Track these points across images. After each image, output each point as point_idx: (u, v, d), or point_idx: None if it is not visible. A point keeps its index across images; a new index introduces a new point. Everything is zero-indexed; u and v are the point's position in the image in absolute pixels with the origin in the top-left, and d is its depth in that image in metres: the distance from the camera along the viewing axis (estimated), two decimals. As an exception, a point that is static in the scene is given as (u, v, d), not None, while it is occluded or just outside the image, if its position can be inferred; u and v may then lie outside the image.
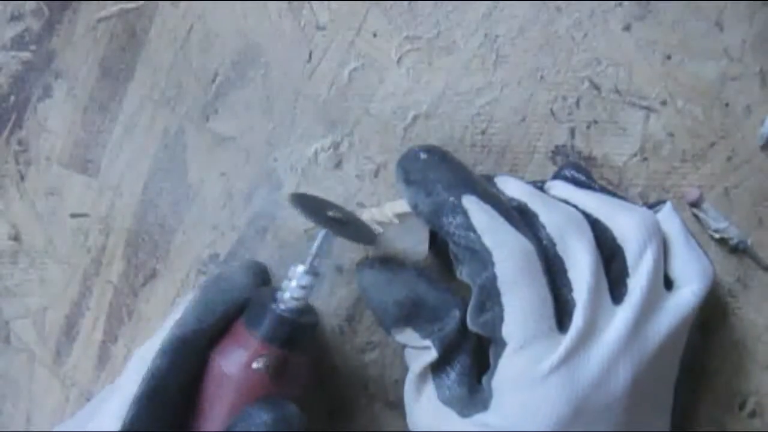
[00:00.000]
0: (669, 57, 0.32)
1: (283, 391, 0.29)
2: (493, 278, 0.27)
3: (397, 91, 0.34)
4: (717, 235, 0.32)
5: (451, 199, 0.28)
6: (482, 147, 0.34)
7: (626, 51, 0.32)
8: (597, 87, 0.33)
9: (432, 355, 0.29)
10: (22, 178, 0.38)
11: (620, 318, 0.27)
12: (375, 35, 0.35)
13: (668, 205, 0.30)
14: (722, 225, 0.32)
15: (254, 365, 0.28)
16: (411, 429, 0.30)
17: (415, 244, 0.31)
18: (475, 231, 0.27)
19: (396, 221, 0.31)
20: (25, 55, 0.38)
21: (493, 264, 0.27)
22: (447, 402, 0.29)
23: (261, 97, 0.36)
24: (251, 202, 0.36)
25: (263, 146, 0.36)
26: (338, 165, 0.35)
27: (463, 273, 0.29)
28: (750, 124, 0.32)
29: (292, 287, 0.29)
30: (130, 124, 0.37)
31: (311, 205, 0.30)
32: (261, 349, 0.28)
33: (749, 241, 0.32)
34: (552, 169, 0.33)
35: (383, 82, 0.34)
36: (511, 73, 0.33)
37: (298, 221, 0.35)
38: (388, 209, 0.31)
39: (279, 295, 0.29)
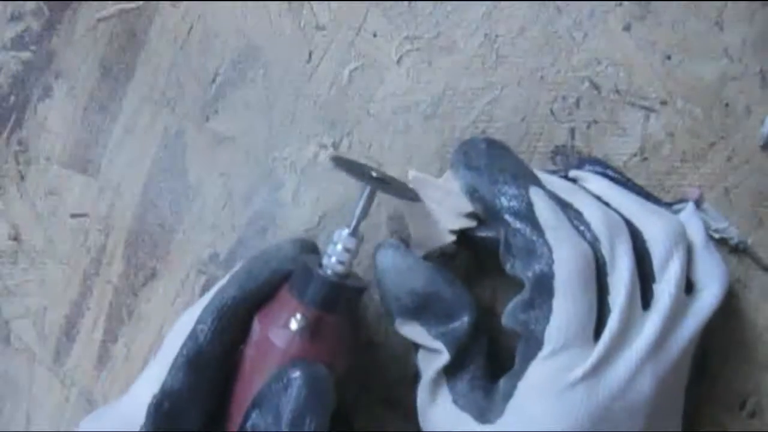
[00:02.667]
0: (669, 57, 0.32)
1: (324, 356, 0.28)
2: (550, 276, 0.26)
3: (397, 91, 0.34)
4: (717, 235, 0.32)
5: (519, 190, 0.28)
6: (482, 147, 0.34)
7: (626, 51, 0.32)
8: (597, 87, 0.33)
9: (444, 358, 0.29)
10: (22, 178, 0.38)
11: (649, 325, 0.26)
12: (375, 35, 0.35)
13: (690, 207, 0.30)
14: (722, 225, 0.32)
15: (291, 325, 0.28)
16: None
17: (447, 220, 0.30)
18: (538, 226, 0.27)
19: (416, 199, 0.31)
20: (25, 55, 0.38)
21: (552, 262, 0.26)
22: (463, 407, 0.28)
23: (261, 97, 0.36)
24: (251, 202, 0.36)
25: (263, 146, 0.36)
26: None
27: (515, 266, 0.28)
28: (750, 124, 0.32)
29: (337, 250, 0.29)
30: (130, 124, 0.37)
31: (353, 166, 0.30)
32: (300, 310, 0.28)
33: (749, 241, 0.32)
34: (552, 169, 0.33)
35: (383, 82, 0.34)
36: (511, 73, 0.33)
37: (298, 221, 0.35)
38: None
39: (324, 259, 0.29)
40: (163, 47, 0.36)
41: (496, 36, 0.33)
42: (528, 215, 0.27)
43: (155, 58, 0.37)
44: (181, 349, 0.28)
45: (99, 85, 0.37)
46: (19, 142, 0.38)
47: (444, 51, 0.34)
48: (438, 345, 0.29)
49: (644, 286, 0.27)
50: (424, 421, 0.30)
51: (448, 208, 0.30)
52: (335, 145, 0.35)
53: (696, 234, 0.29)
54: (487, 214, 0.29)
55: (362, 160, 0.34)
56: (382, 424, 0.34)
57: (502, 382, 0.28)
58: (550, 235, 0.27)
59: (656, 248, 0.27)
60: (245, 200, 0.36)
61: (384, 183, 0.29)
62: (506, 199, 0.28)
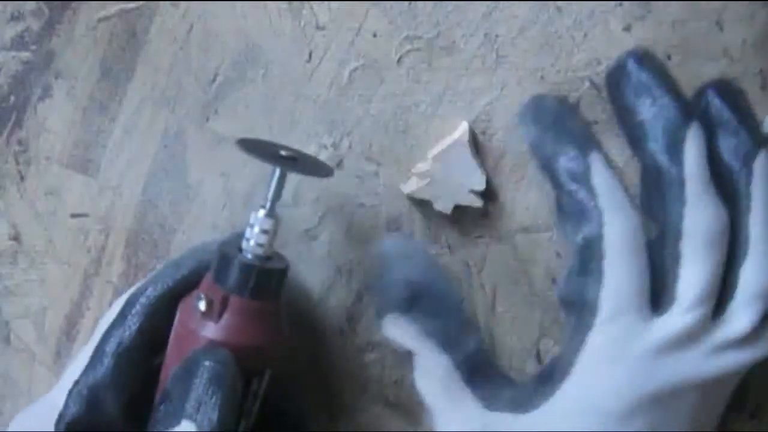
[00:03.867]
0: (669, 57, 0.32)
1: (238, 335, 0.28)
2: (600, 239, 0.27)
3: (397, 91, 0.34)
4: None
5: (580, 151, 0.28)
6: (482, 147, 0.34)
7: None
8: (597, 87, 0.33)
9: (444, 362, 0.29)
10: (22, 178, 0.38)
11: (713, 339, 0.26)
12: (375, 35, 0.35)
13: None
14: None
15: (200, 306, 0.28)
16: None
17: (457, 191, 0.31)
18: (592, 188, 0.27)
19: (422, 193, 0.31)
20: (25, 55, 0.38)
21: (602, 224, 0.27)
22: (495, 408, 0.28)
23: (261, 97, 0.36)
24: (251, 202, 0.36)
25: (263, 146, 0.36)
26: (338, 165, 0.35)
27: (566, 230, 0.28)
28: (750, 124, 0.32)
29: (254, 233, 0.29)
30: (130, 124, 0.37)
31: (261, 148, 0.30)
32: (204, 290, 0.28)
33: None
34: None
35: (383, 82, 0.34)
36: (511, 73, 0.33)
37: (298, 221, 0.35)
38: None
39: (243, 243, 0.29)
40: (163, 47, 0.36)
41: (496, 36, 0.33)
42: (583, 178, 0.27)
43: (155, 58, 0.37)
44: (104, 337, 0.29)
45: (99, 85, 0.37)
46: (19, 142, 0.38)
47: (444, 51, 0.34)
48: (430, 345, 0.29)
49: (720, 300, 0.27)
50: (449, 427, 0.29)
51: (465, 180, 0.30)
52: (335, 145, 0.35)
53: None
54: (544, 171, 0.29)
55: (362, 160, 0.34)
56: (382, 424, 0.34)
57: (551, 363, 0.28)
58: (602, 199, 0.27)
59: (748, 283, 0.27)
60: (245, 200, 0.36)
61: (294, 162, 0.29)
62: (566, 159, 0.28)
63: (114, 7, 0.37)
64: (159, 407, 0.27)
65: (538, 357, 0.33)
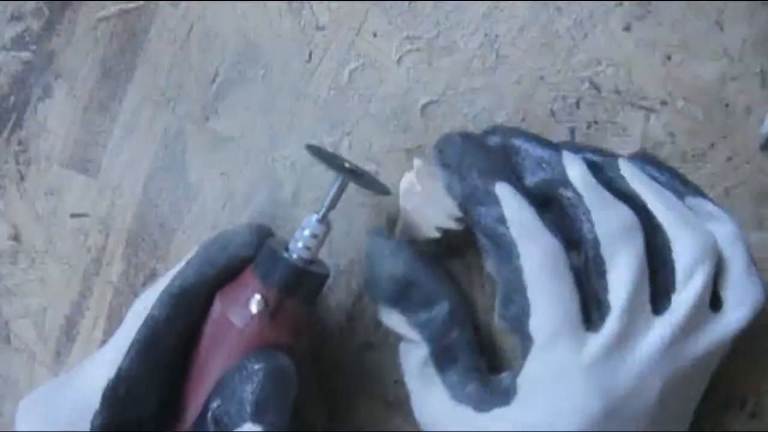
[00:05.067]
0: (669, 57, 0.32)
1: (282, 338, 0.28)
2: (519, 271, 0.27)
3: (397, 91, 0.34)
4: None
5: (484, 185, 0.28)
6: (482, 147, 0.34)
7: (626, 51, 0.32)
8: (597, 87, 0.33)
9: (422, 351, 0.29)
10: (22, 178, 0.38)
11: (657, 332, 0.26)
12: (375, 35, 0.35)
13: (735, 227, 0.29)
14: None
15: (251, 306, 0.28)
16: (422, 428, 0.30)
17: (435, 216, 0.31)
18: (504, 221, 0.27)
19: (417, 186, 0.31)
20: (25, 55, 0.38)
21: (518, 256, 0.27)
22: (460, 399, 0.28)
23: (261, 97, 0.36)
24: (251, 202, 0.36)
25: (263, 146, 0.36)
26: (338, 165, 0.35)
27: (488, 264, 0.28)
28: (750, 124, 0.32)
29: (304, 236, 0.29)
30: (130, 124, 0.37)
31: (327, 156, 0.30)
32: (261, 292, 0.28)
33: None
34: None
35: (383, 82, 0.34)
36: (511, 73, 0.33)
37: (298, 221, 0.35)
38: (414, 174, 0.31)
39: (291, 243, 0.29)
40: (163, 47, 0.36)
41: (496, 36, 0.33)
42: (494, 212, 0.27)
43: (155, 58, 0.37)
44: (137, 333, 0.29)
45: (99, 85, 0.37)
46: (19, 142, 0.38)
47: (444, 51, 0.34)
48: (415, 335, 0.29)
49: (662, 294, 0.27)
50: (420, 416, 0.30)
51: (442, 205, 0.30)
52: (335, 145, 0.35)
53: (738, 253, 0.29)
54: (463, 211, 0.29)
55: (362, 160, 0.34)
56: (382, 424, 0.34)
57: (504, 377, 0.28)
58: (514, 230, 0.27)
59: (682, 260, 0.27)
60: (245, 200, 0.36)
61: (356, 175, 0.30)
62: (474, 195, 0.28)
63: (114, 7, 0.37)
64: (211, 405, 0.27)
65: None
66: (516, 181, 0.28)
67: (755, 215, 0.32)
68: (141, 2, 0.37)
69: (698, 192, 0.30)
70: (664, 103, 0.32)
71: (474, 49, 0.34)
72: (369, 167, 0.34)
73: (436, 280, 0.30)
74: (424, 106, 0.34)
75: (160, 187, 0.36)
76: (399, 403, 0.34)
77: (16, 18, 0.38)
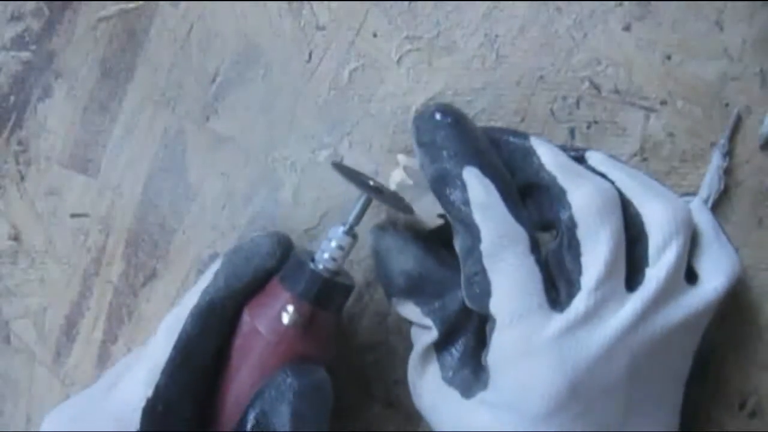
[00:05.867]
0: (669, 57, 0.32)
1: (312, 350, 0.29)
2: (479, 254, 0.27)
3: (397, 91, 0.34)
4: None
5: (453, 168, 0.28)
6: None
7: (626, 51, 0.32)
8: (597, 87, 0.33)
9: (433, 335, 0.29)
10: (22, 178, 0.38)
11: (628, 307, 0.26)
12: (375, 35, 0.35)
13: (698, 199, 0.30)
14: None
15: (283, 318, 0.28)
16: (417, 408, 0.31)
17: (434, 203, 0.31)
18: (468, 204, 0.27)
19: (408, 180, 0.31)
20: (25, 55, 0.38)
21: (480, 240, 0.27)
22: (451, 382, 0.29)
23: (261, 97, 0.36)
24: (251, 202, 0.36)
25: (263, 146, 0.36)
26: (338, 165, 0.35)
27: (457, 245, 0.29)
28: (750, 124, 0.32)
29: (330, 247, 0.29)
30: (130, 124, 0.37)
31: (352, 173, 0.31)
32: (293, 303, 0.28)
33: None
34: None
35: (383, 82, 0.34)
36: (511, 73, 0.33)
37: (298, 221, 0.35)
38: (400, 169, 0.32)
39: (317, 254, 0.29)
40: (163, 47, 0.36)
41: (496, 36, 0.33)
42: (461, 195, 0.28)
43: (155, 58, 0.37)
44: (173, 350, 0.29)
45: (99, 85, 0.37)
46: (19, 142, 0.38)
47: (444, 51, 0.34)
48: (428, 322, 0.30)
49: (635, 270, 0.27)
50: (414, 395, 0.31)
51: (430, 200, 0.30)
52: (335, 145, 0.35)
53: (706, 223, 0.29)
54: (434, 192, 0.29)
55: (362, 160, 0.34)
56: (382, 424, 0.34)
57: (482, 358, 0.29)
58: (477, 215, 0.27)
59: (655, 233, 0.27)
60: (245, 200, 0.36)
61: (380, 192, 0.30)
62: (444, 178, 0.28)
63: (114, 7, 0.37)
64: (248, 419, 0.27)
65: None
66: (495, 163, 0.28)
67: (755, 215, 0.32)
68: (141, 2, 0.37)
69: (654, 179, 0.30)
70: (663, 103, 0.32)
71: (474, 49, 0.34)
72: (369, 167, 0.34)
73: (446, 270, 0.30)
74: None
75: (160, 187, 0.36)
76: (399, 403, 0.34)
77: (16, 18, 0.38)
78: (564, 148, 0.30)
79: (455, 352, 0.29)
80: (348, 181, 0.29)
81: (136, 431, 0.28)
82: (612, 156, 0.30)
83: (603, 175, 0.29)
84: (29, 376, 0.38)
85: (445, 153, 0.28)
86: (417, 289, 0.30)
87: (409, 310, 0.30)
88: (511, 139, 0.29)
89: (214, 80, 0.36)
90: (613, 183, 0.28)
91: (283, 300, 0.29)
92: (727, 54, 0.32)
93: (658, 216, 0.27)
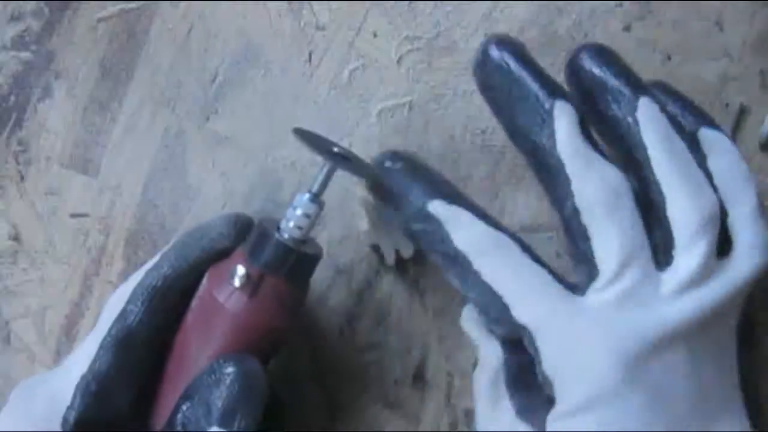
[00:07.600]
0: (669, 57, 0.32)
1: (264, 315, 0.28)
2: (477, 275, 0.27)
3: (397, 91, 0.34)
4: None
5: (418, 208, 0.28)
6: (482, 147, 0.34)
7: (626, 51, 0.32)
8: (597, 87, 0.33)
9: (496, 361, 0.29)
10: (22, 178, 0.38)
11: (667, 286, 0.26)
12: (375, 35, 0.35)
13: (745, 167, 0.28)
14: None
15: (234, 281, 0.28)
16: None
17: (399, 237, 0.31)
18: (448, 238, 0.27)
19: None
20: (25, 55, 0.38)
21: (472, 268, 0.27)
22: (526, 419, 0.28)
23: (261, 97, 0.36)
24: (251, 202, 0.36)
25: (263, 146, 0.36)
26: (338, 165, 0.35)
27: (447, 278, 0.28)
28: (750, 124, 0.32)
29: (295, 215, 0.29)
30: (130, 124, 0.37)
31: (315, 140, 0.30)
32: (242, 264, 0.28)
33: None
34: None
35: (383, 82, 0.34)
36: (511, 73, 0.33)
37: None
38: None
39: (282, 223, 0.29)
40: (163, 47, 0.36)
41: (496, 36, 0.33)
42: (434, 231, 0.28)
43: (155, 58, 0.37)
44: (110, 329, 0.29)
45: (99, 85, 0.37)
46: (19, 142, 0.38)
47: (444, 51, 0.34)
48: (492, 341, 0.29)
49: (664, 250, 0.27)
50: (480, 426, 0.29)
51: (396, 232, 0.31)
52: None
53: (748, 196, 0.28)
54: (407, 235, 0.29)
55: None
56: (382, 424, 0.34)
57: (538, 372, 0.27)
58: (458, 243, 0.27)
59: (680, 227, 0.26)
60: (245, 200, 0.36)
61: (345, 159, 0.29)
62: (411, 221, 0.28)
63: (114, 7, 0.37)
64: (181, 407, 0.27)
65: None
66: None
67: (755, 215, 0.32)
68: (141, 2, 0.37)
69: (713, 124, 0.28)
70: (664, 103, 0.32)
71: (474, 49, 0.34)
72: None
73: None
74: (424, 106, 0.34)
75: (160, 187, 0.36)
76: (399, 403, 0.34)
77: (16, 18, 0.38)
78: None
79: (528, 387, 0.28)
80: (311, 149, 0.28)
81: (68, 408, 0.28)
82: (660, 91, 0.29)
83: (639, 147, 0.27)
84: (29, 376, 0.38)
85: (405, 198, 0.28)
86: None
87: (474, 322, 0.30)
88: (540, 94, 0.27)
89: (214, 80, 0.36)
90: (648, 159, 0.27)
91: (235, 262, 0.28)
92: (727, 54, 0.32)
93: (684, 208, 0.26)
